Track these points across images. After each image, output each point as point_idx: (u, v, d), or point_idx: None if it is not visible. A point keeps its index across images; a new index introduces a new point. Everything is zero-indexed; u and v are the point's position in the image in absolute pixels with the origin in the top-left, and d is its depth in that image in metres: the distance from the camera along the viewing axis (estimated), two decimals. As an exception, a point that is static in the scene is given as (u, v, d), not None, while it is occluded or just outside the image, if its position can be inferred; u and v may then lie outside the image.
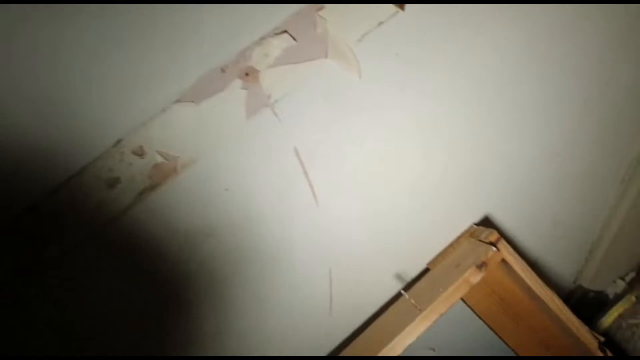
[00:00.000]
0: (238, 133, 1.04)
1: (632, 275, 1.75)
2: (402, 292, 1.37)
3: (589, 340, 1.39)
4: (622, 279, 1.75)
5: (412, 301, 1.34)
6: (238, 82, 0.98)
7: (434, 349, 1.78)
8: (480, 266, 1.31)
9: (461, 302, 1.44)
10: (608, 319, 1.68)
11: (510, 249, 1.35)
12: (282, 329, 1.52)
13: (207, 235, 1.26)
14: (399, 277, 1.50)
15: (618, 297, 1.70)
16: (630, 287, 1.70)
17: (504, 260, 1.35)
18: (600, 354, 1.39)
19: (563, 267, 1.73)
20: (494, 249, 1.31)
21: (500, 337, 1.49)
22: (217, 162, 1.08)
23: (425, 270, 1.52)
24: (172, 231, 1.19)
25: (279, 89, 1.02)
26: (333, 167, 1.21)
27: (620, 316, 1.68)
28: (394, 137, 1.27)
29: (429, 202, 1.43)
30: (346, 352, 1.49)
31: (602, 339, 1.40)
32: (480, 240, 1.39)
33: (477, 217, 1.52)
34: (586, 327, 1.39)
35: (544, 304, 1.38)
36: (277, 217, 1.26)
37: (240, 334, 1.47)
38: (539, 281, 1.37)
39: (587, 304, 1.74)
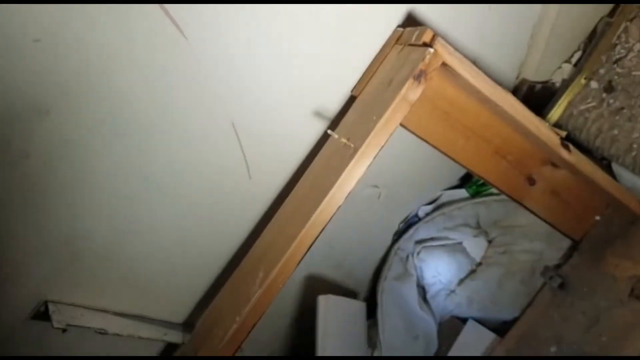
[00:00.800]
0: None
1: (578, 55, 1.53)
2: (329, 131, 1.08)
3: (551, 138, 1.19)
4: (568, 61, 1.54)
5: (343, 140, 1.05)
6: None
7: (377, 186, 1.57)
8: (418, 76, 1.02)
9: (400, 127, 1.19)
10: (558, 110, 1.50)
11: (450, 48, 1.06)
12: (199, 214, 1.23)
13: (45, 112, 0.89)
14: (318, 114, 1.20)
15: (566, 84, 1.50)
16: (578, 68, 1.49)
17: (444, 64, 1.06)
18: (563, 150, 1.20)
19: (504, 60, 1.48)
20: (431, 50, 1.01)
21: (451, 157, 1.27)
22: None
23: (351, 100, 1.22)
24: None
25: None
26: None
27: (570, 104, 1.50)
28: None
29: (337, 11, 1.08)
30: (278, 215, 1.24)
31: (563, 134, 1.20)
32: (412, 45, 1.09)
33: (399, 17, 1.19)
34: (546, 124, 1.18)
35: (496, 107, 1.14)
36: (135, 68, 0.89)
37: (147, 230, 1.17)
38: (489, 80, 1.11)
39: (534, 99, 1.54)
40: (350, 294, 1.80)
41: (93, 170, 1.03)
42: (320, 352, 1.51)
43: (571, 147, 1.21)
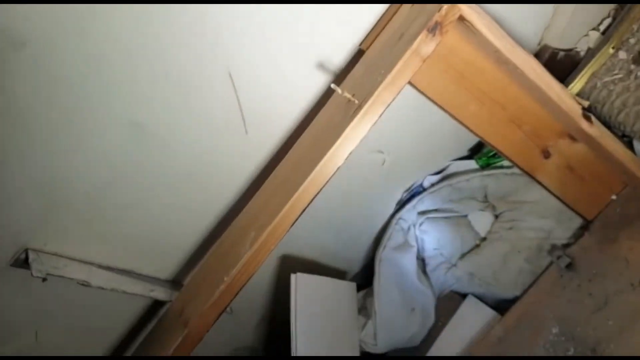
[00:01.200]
0: None
1: (607, 22, 1.42)
2: (332, 85, 1.00)
3: (572, 108, 1.10)
4: (596, 29, 1.43)
5: (348, 95, 0.97)
6: None
7: (382, 151, 1.49)
8: (433, 29, 0.93)
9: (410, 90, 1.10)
10: (580, 81, 1.39)
11: (470, 1, 0.97)
12: (190, 168, 1.16)
13: (20, 44, 0.81)
14: (322, 67, 1.11)
15: (592, 53, 1.40)
16: (607, 36, 1.39)
17: (462, 19, 0.97)
18: (584, 121, 1.11)
19: (527, 23, 1.37)
20: (449, 0, 0.92)
21: (462, 123, 1.18)
22: None
23: (359, 54, 1.13)
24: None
25: None
26: None
27: (594, 74, 1.39)
28: None
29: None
30: (275, 174, 1.17)
31: (586, 103, 1.11)
32: (429, -5, 1.00)
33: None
34: (568, 92, 1.09)
35: (515, 70, 1.05)
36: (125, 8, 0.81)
37: (134, 181, 1.11)
38: (510, 39, 1.03)
39: (555, 67, 1.43)
40: (340, 272, 1.75)
41: (76, 112, 0.95)
42: (294, 330, 1.43)
43: (593, 118, 1.12)
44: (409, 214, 1.67)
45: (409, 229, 1.67)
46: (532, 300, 1.38)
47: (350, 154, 0.98)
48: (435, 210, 1.66)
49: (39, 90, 0.88)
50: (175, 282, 1.35)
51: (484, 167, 1.59)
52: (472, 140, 1.66)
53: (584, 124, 1.12)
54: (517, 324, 1.38)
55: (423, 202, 1.65)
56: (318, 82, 1.13)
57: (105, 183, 1.08)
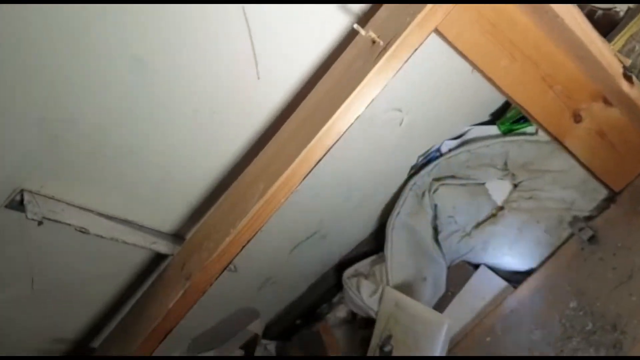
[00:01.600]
0: None
1: (651, -19, 1.33)
2: (355, 26, 0.91)
3: (613, 65, 1.02)
4: (639, -12, 1.33)
5: (372, 34, 0.89)
6: None
7: (400, 110, 1.42)
8: (471, -35, 0.84)
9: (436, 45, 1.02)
10: (618, 43, 1.31)
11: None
12: (196, 113, 1.10)
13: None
14: (343, 8, 1.03)
15: (632, 13, 1.31)
16: (649, -4, 1.30)
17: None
18: (624, 82, 1.03)
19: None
20: None
21: (490, 79, 1.10)
22: None
23: (385, -2, 1.05)
24: None
25: None
26: None
27: (633, 37, 1.31)
28: None
29: None
30: (288, 124, 1.10)
31: (628, 61, 1.03)
32: None
33: None
34: (610, 47, 1.00)
35: (555, 20, 0.97)
36: None
37: (136, 123, 1.04)
38: (552, -14, 0.93)
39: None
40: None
41: (73, 40, 0.87)
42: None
43: (634, 79, 1.04)
44: (424, 179, 1.60)
45: (423, 195, 1.60)
46: (549, 272, 1.32)
47: (372, 101, 0.90)
48: (452, 177, 1.59)
49: (32, 10, 0.80)
50: (177, 236, 1.30)
51: (505, 133, 1.52)
52: (495, 104, 1.58)
53: (624, 85, 1.03)
54: (532, 296, 1.32)
55: (439, 168, 1.58)
56: (339, 24, 1.05)
57: (107, 123, 1.01)
